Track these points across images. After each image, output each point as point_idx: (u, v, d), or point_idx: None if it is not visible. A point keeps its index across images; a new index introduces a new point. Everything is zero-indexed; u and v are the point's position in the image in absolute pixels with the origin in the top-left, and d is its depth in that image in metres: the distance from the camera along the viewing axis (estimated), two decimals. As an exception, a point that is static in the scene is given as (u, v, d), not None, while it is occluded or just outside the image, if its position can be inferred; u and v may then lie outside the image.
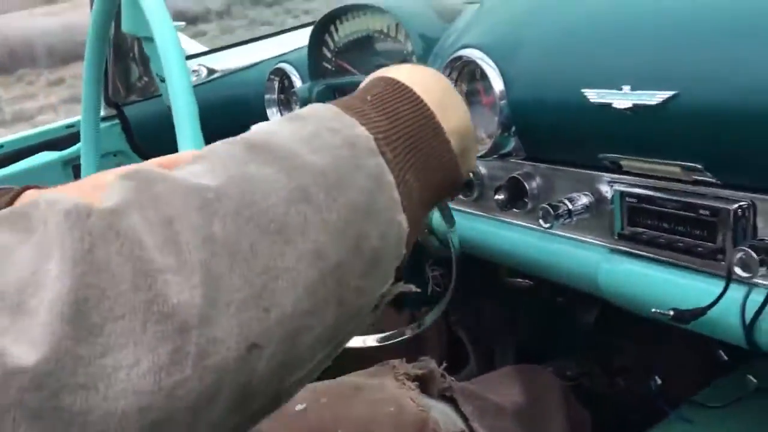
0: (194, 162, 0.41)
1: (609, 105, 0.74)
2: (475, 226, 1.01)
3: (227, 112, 1.43)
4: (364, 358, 0.90)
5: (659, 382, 1.04)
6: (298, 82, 1.35)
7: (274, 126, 0.44)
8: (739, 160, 0.69)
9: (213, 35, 9.61)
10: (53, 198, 0.35)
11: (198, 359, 0.33)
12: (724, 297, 0.69)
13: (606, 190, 0.83)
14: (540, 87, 0.86)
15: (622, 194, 0.80)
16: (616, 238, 0.82)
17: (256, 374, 0.36)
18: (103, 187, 0.38)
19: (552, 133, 0.87)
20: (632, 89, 0.72)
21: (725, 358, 1.03)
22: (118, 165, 1.10)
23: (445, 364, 0.93)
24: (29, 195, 0.60)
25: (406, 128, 0.46)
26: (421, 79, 0.50)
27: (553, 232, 0.87)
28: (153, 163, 0.57)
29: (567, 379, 1.18)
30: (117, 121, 1.52)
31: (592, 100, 0.76)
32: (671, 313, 0.72)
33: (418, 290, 0.55)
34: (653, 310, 0.74)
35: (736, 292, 0.69)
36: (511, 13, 0.95)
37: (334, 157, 0.41)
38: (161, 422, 0.32)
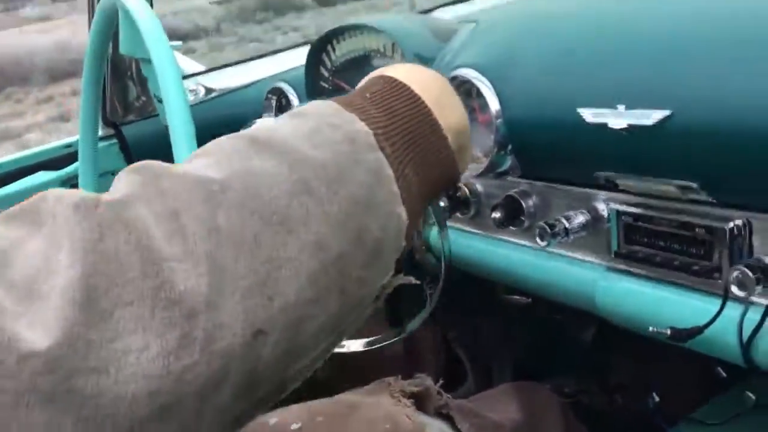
0: (200, 156, 0.42)
1: (605, 125, 0.75)
2: (472, 244, 1.01)
3: (225, 131, 1.42)
4: (360, 376, 0.90)
5: (657, 399, 1.04)
6: (295, 101, 1.35)
7: (277, 122, 0.45)
8: (734, 180, 0.69)
9: (202, 52, 9.64)
10: (60, 193, 0.37)
11: (205, 344, 0.34)
12: (721, 315, 0.69)
13: (602, 208, 0.83)
14: (536, 106, 0.86)
15: (619, 213, 0.81)
16: (613, 256, 0.82)
17: (261, 361, 0.37)
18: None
19: (548, 151, 0.87)
20: (627, 108, 0.73)
21: (723, 374, 1.03)
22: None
23: (441, 381, 0.92)
24: None
25: (404, 124, 0.47)
26: (420, 78, 0.51)
27: (550, 250, 0.87)
28: None
29: (565, 397, 1.17)
30: (115, 140, 1.52)
31: (587, 120, 0.77)
32: (668, 331, 0.72)
33: (417, 282, 0.56)
34: (651, 328, 0.74)
35: (732, 310, 0.69)
36: (507, 33, 0.96)
37: (334, 151, 0.43)
38: (170, 406, 0.33)
